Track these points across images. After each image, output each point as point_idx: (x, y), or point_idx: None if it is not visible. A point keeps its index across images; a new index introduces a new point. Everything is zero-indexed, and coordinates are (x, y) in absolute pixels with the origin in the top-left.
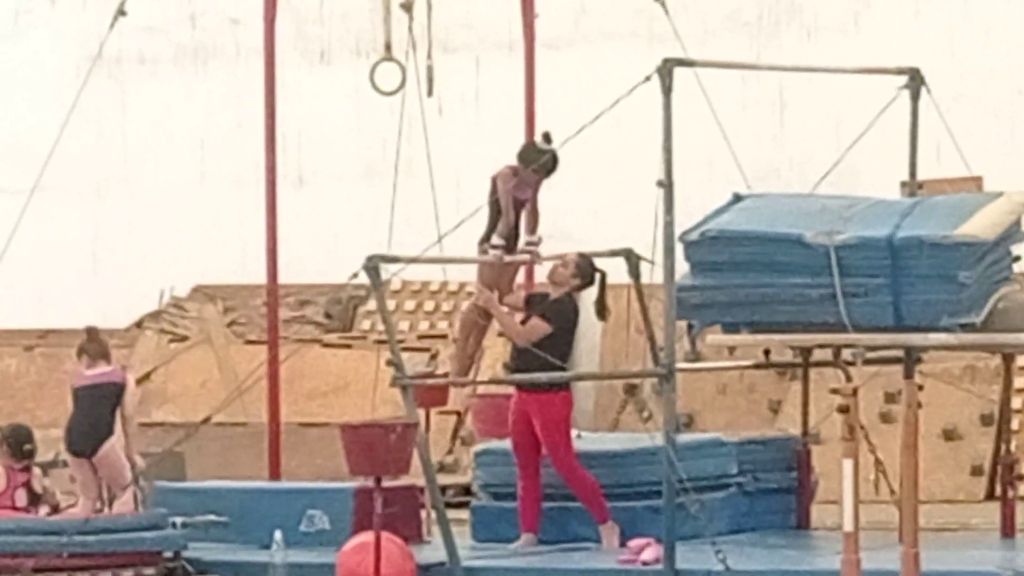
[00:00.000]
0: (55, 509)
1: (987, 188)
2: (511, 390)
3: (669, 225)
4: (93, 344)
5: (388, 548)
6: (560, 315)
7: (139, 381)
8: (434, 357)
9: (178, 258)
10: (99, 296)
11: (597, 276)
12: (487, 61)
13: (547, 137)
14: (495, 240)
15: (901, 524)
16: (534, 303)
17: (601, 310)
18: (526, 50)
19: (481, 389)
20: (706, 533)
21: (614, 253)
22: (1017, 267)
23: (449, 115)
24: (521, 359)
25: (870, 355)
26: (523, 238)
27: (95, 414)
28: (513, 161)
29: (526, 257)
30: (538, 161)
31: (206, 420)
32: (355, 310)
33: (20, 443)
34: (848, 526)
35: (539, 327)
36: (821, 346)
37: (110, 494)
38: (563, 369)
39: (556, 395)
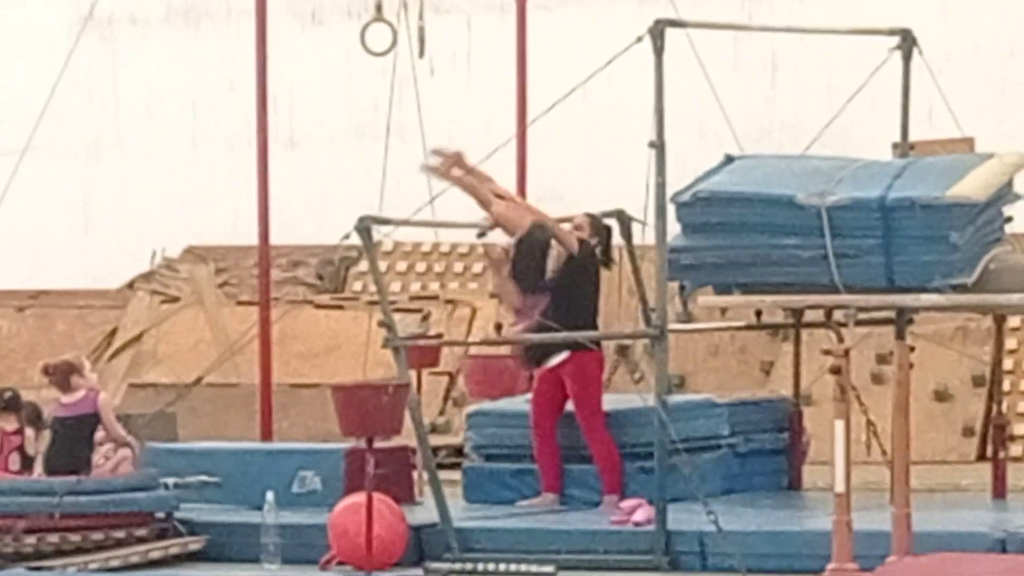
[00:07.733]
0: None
1: (979, 149)
2: (503, 351)
3: (661, 186)
4: (54, 377)
5: (380, 509)
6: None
7: (130, 343)
8: (426, 318)
9: (170, 219)
10: (90, 257)
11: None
12: (479, 22)
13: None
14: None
15: (892, 485)
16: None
17: (607, 260)
18: (518, 11)
19: (473, 350)
20: (698, 494)
21: (606, 214)
22: (1009, 228)
23: (441, 76)
24: (552, 317)
25: (862, 316)
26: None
27: (70, 448)
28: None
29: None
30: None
31: (198, 381)
32: (347, 271)
33: None
34: (839, 487)
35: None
36: (813, 307)
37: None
38: (595, 327)
39: (587, 354)
